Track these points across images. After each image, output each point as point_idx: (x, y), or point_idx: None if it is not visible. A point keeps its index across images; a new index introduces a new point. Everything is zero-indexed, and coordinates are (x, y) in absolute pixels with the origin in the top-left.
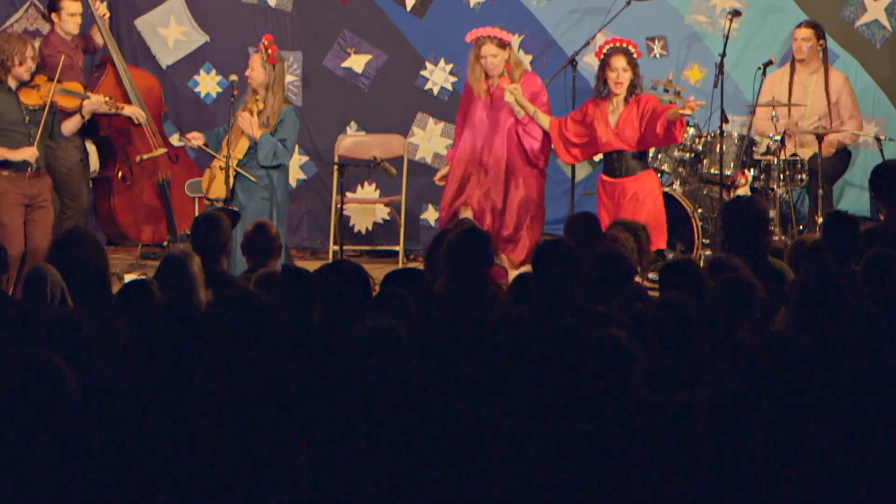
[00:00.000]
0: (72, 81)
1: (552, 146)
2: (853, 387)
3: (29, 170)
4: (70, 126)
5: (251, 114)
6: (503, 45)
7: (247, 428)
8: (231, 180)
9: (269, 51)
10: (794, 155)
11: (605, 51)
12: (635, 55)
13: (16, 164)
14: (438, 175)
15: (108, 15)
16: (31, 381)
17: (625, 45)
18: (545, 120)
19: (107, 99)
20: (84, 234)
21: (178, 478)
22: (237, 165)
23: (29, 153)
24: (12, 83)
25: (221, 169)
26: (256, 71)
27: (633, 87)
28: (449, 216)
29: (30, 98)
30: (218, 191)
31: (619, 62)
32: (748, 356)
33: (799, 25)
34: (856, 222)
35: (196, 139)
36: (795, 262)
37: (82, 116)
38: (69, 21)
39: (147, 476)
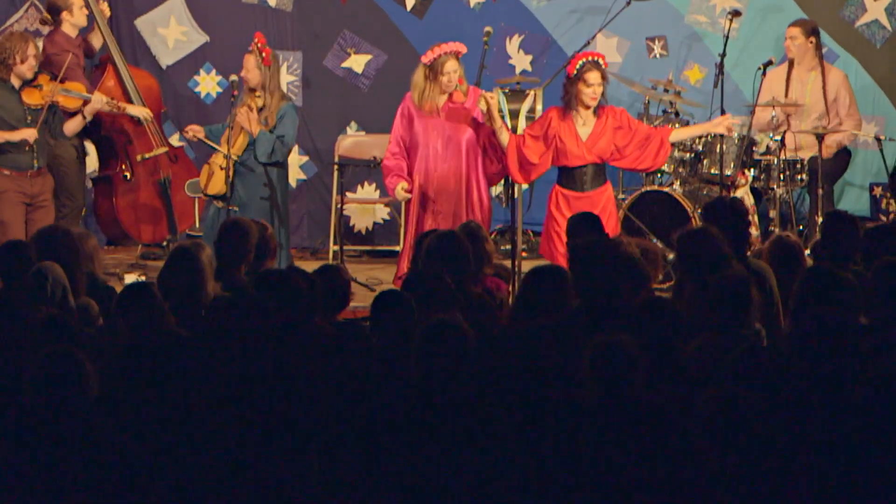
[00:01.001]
0: (75, 81)
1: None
2: (854, 390)
3: (35, 164)
4: (72, 126)
5: (250, 110)
6: (459, 58)
7: (252, 427)
8: (231, 178)
9: (264, 53)
10: (795, 155)
11: (578, 66)
12: (604, 67)
13: (17, 163)
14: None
15: (108, 14)
16: (53, 375)
17: (597, 59)
18: (505, 136)
19: (109, 99)
20: (61, 235)
21: (185, 477)
22: (238, 159)
23: (28, 133)
24: (15, 82)
25: (221, 168)
26: (252, 73)
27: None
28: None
29: (32, 97)
30: (216, 187)
31: (595, 77)
32: (745, 356)
33: (791, 24)
34: (855, 222)
35: (197, 132)
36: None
37: (84, 117)
38: (80, 14)
39: (157, 475)
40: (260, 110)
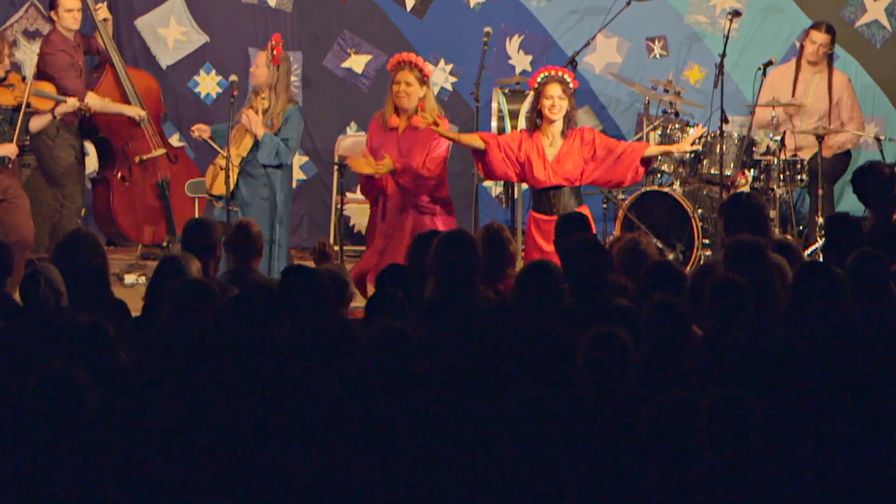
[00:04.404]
0: (44, 81)
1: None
2: (848, 385)
3: (8, 165)
4: (37, 123)
5: (256, 112)
6: (423, 79)
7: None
8: (233, 179)
9: (275, 52)
10: (795, 155)
11: (539, 79)
12: (571, 85)
13: None
14: None
15: (110, 19)
16: (50, 393)
17: (560, 73)
18: (471, 138)
19: (80, 104)
20: (84, 237)
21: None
22: (240, 163)
23: (9, 149)
24: None
25: (222, 169)
26: (260, 69)
27: (569, 120)
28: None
29: (4, 98)
30: (222, 187)
31: (555, 90)
32: (742, 355)
33: (816, 28)
34: (858, 224)
35: (203, 131)
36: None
37: (53, 116)
38: (66, 17)
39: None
40: (265, 112)
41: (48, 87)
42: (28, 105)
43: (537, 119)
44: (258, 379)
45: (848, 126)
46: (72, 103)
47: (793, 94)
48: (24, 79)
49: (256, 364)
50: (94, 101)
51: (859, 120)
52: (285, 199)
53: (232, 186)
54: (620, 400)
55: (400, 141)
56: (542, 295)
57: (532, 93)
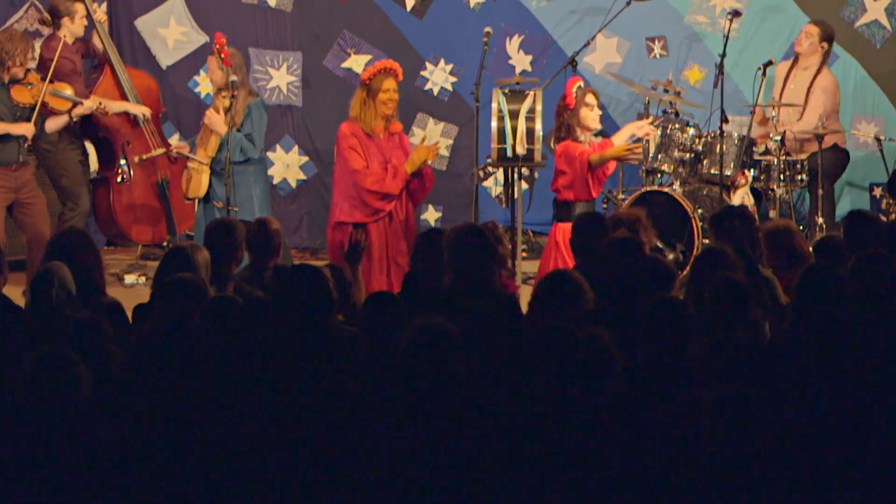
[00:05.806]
0: (62, 82)
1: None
2: (851, 384)
3: (20, 158)
4: (53, 125)
5: (217, 111)
6: (396, 80)
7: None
8: (206, 181)
9: (222, 54)
10: (789, 154)
11: (575, 91)
12: None
13: (2, 158)
14: None
15: (105, 20)
16: (44, 376)
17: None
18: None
19: (97, 105)
20: (78, 237)
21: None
22: (211, 164)
23: (27, 129)
24: (4, 79)
25: (203, 167)
26: (215, 74)
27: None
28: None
29: (22, 96)
30: (196, 190)
31: (593, 98)
32: (745, 356)
33: (811, 22)
34: (876, 220)
35: (181, 148)
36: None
37: (70, 117)
38: (80, 24)
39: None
40: (227, 110)
41: (66, 88)
42: (45, 105)
43: (576, 131)
44: (249, 378)
45: (805, 117)
46: (89, 105)
47: (781, 93)
48: (43, 78)
49: (248, 364)
50: (107, 104)
51: (813, 122)
52: (262, 194)
53: (206, 187)
54: (614, 400)
55: (384, 148)
56: (567, 304)
57: (535, 97)
